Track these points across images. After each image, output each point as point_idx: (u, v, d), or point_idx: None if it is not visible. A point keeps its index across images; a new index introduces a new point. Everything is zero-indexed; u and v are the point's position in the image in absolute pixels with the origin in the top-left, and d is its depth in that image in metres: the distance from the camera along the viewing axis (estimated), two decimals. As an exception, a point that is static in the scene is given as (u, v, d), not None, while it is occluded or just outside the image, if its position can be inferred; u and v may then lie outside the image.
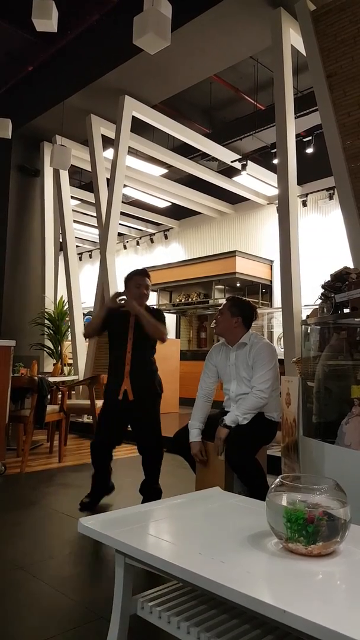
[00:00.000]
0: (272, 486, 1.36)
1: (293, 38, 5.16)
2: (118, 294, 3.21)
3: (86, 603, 1.93)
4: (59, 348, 7.70)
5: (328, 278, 2.73)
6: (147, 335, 3.11)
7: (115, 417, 3.14)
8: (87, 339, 7.18)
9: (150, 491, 3.15)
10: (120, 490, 3.39)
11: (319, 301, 2.77)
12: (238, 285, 10.10)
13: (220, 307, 3.01)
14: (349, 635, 0.89)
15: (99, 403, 5.16)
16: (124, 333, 3.12)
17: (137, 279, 3.18)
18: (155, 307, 3.29)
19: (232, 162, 8.17)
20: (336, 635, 0.91)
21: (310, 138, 7.27)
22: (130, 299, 3.12)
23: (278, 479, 1.38)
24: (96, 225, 7.73)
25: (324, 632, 0.93)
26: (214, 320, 3.03)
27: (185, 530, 1.57)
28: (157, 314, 3.21)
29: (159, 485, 3.18)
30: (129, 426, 3.20)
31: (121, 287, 3.35)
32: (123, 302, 3.16)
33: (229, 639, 1.27)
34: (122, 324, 3.13)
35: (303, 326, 2.93)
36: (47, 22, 4.13)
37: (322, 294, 2.73)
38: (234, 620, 1.35)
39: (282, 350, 4.95)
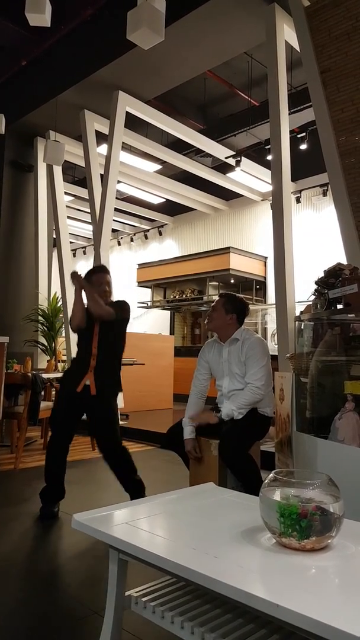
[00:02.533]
0: (266, 481, 1.37)
1: (287, 34, 5.15)
2: (75, 272, 3.10)
3: (80, 599, 1.94)
4: (53, 344, 7.68)
5: (321, 274, 2.74)
6: (114, 332, 3.10)
7: (73, 407, 3.08)
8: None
9: (132, 485, 3.11)
10: (112, 486, 3.39)
11: (313, 297, 2.78)
12: (232, 281, 10.11)
13: (213, 304, 3.01)
14: (342, 629, 0.90)
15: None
16: (89, 331, 3.08)
17: (97, 278, 3.16)
18: (120, 299, 3.23)
19: (226, 158, 8.16)
20: (329, 629, 0.91)
21: (304, 134, 7.26)
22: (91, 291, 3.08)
23: (271, 474, 1.38)
24: (90, 221, 7.71)
25: (317, 625, 0.93)
26: (207, 316, 3.03)
27: (179, 526, 1.57)
28: (120, 303, 3.17)
29: (137, 476, 3.13)
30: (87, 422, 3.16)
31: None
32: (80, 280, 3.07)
33: (223, 633, 1.27)
34: (89, 320, 3.08)
35: (297, 322, 2.94)
36: (40, 16, 4.09)
37: (316, 290, 2.73)
38: (227, 614, 1.36)
39: (276, 346, 4.96)
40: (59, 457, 3.07)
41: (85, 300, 3.07)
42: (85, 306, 3.06)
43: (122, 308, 3.16)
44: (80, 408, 3.10)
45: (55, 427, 3.12)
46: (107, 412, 3.10)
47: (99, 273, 3.21)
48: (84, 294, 3.07)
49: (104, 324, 3.08)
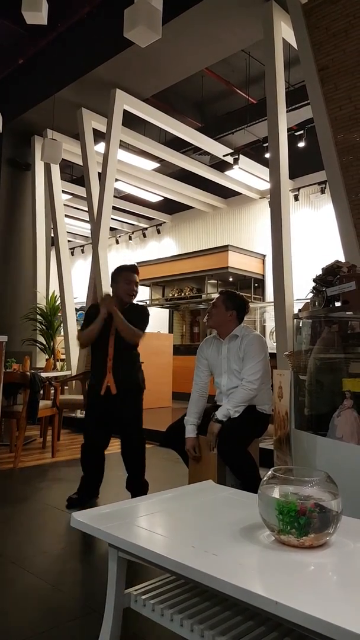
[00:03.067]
0: (265, 479, 1.37)
1: (284, 31, 5.14)
2: (108, 296, 3.13)
3: (79, 597, 1.94)
4: (52, 343, 7.68)
5: (320, 272, 2.74)
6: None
7: (101, 414, 3.13)
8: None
9: (138, 486, 3.15)
10: (111, 485, 3.40)
11: (311, 295, 2.78)
12: (231, 279, 10.11)
13: (213, 300, 3.01)
14: (340, 626, 0.90)
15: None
16: (107, 330, 3.08)
17: (127, 275, 3.14)
18: (141, 303, 3.23)
19: (224, 156, 8.15)
20: (328, 626, 0.92)
21: (302, 132, 7.26)
22: (118, 294, 3.11)
23: (270, 472, 1.38)
24: (88, 219, 7.70)
25: (316, 623, 0.94)
26: (207, 312, 3.03)
27: (178, 523, 1.57)
28: (142, 312, 3.18)
29: (145, 479, 3.19)
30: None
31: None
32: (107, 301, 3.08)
33: (222, 630, 1.28)
34: (106, 320, 3.08)
35: (295, 320, 2.94)
36: (37, 14, 4.08)
37: (314, 288, 2.73)
38: (226, 612, 1.36)
39: (275, 344, 4.97)
40: (94, 464, 3.17)
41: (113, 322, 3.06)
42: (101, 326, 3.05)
43: (145, 319, 3.16)
44: (107, 412, 3.13)
45: (88, 438, 3.19)
46: (131, 409, 3.13)
47: (127, 272, 3.16)
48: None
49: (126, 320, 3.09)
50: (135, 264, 3.37)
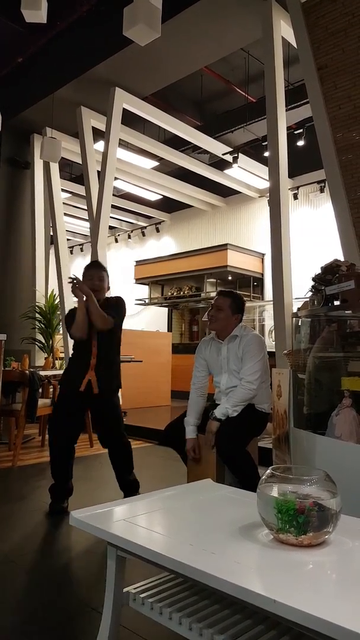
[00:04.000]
0: (263, 477, 1.37)
1: (284, 30, 5.13)
2: (77, 279, 3.09)
3: (78, 595, 1.94)
4: (50, 342, 7.67)
5: (319, 271, 2.74)
6: (114, 329, 3.09)
7: (75, 409, 3.08)
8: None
9: (129, 484, 3.16)
10: (110, 483, 3.40)
11: (310, 294, 2.78)
12: (230, 278, 10.11)
13: (215, 302, 2.98)
14: (339, 624, 0.90)
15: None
16: (91, 327, 3.05)
17: (85, 273, 3.16)
18: (117, 296, 3.23)
19: (224, 154, 8.14)
20: (327, 625, 0.92)
21: (301, 131, 7.25)
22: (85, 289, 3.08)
23: (269, 470, 1.38)
24: (87, 218, 7.69)
25: (315, 621, 0.94)
26: (209, 315, 3.01)
27: (177, 522, 1.57)
28: (116, 302, 3.17)
29: (134, 476, 3.19)
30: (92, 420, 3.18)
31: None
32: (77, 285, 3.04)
33: (221, 629, 1.28)
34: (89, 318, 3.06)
35: (294, 319, 2.94)
36: (36, 12, 4.07)
37: (313, 287, 2.74)
38: (225, 610, 1.36)
39: (273, 342, 4.97)
40: (62, 458, 3.07)
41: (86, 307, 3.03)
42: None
43: (119, 308, 3.14)
44: (82, 407, 3.10)
45: (56, 428, 3.10)
46: (112, 408, 3.12)
47: (85, 270, 3.19)
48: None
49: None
50: (97, 260, 3.36)
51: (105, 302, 3.14)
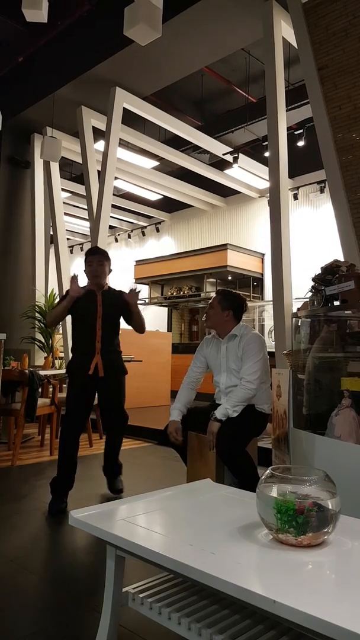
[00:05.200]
0: (263, 477, 1.37)
1: (284, 30, 5.14)
2: (75, 277, 3.19)
3: (77, 595, 1.94)
4: (50, 341, 7.67)
5: (319, 271, 2.74)
6: (114, 313, 3.20)
7: (86, 393, 3.14)
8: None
9: (115, 466, 3.28)
10: (106, 484, 3.39)
11: (310, 294, 2.78)
12: (229, 278, 10.11)
13: (210, 301, 3.01)
14: (339, 625, 0.90)
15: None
16: (93, 311, 3.13)
17: (88, 259, 3.23)
18: (121, 291, 3.30)
19: (224, 154, 8.15)
20: (326, 625, 0.92)
21: (301, 131, 7.26)
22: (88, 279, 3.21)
23: (268, 471, 1.38)
24: (87, 217, 7.69)
25: (314, 621, 0.94)
26: (205, 313, 3.04)
27: (176, 522, 1.57)
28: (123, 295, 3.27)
29: (119, 461, 3.31)
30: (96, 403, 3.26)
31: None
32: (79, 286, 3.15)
33: (220, 629, 1.28)
34: (89, 302, 3.15)
35: (294, 319, 2.94)
36: (37, 12, 4.07)
37: (313, 287, 2.73)
38: (224, 610, 1.36)
39: (273, 342, 4.97)
40: (72, 449, 3.12)
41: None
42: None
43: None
44: (91, 393, 3.18)
45: (69, 417, 3.15)
46: (118, 392, 3.22)
47: (90, 255, 3.25)
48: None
49: (108, 308, 3.16)
50: (97, 246, 3.44)
51: (110, 292, 3.23)
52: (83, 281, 3.19)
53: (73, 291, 3.12)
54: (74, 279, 3.14)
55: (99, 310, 3.13)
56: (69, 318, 3.32)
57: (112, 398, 3.21)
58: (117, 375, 3.22)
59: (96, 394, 3.22)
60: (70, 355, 3.28)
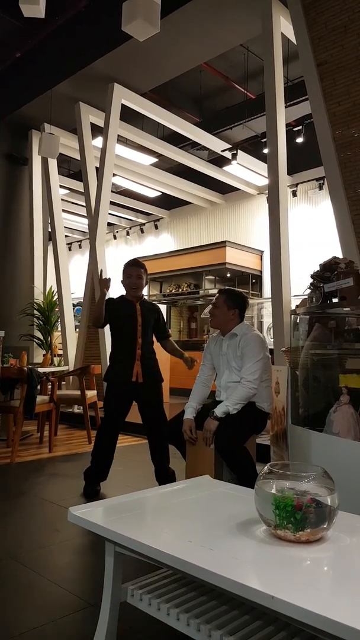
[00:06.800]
0: (261, 474, 1.37)
1: (284, 26, 5.12)
2: (102, 273, 3.35)
3: (76, 591, 1.94)
4: (49, 339, 7.67)
5: (317, 268, 2.73)
6: (150, 323, 3.32)
7: (125, 399, 3.25)
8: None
9: (166, 475, 3.28)
10: (109, 479, 3.40)
11: (308, 291, 2.78)
12: (228, 275, 10.10)
13: (214, 300, 3.01)
14: (337, 620, 0.91)
15: (90, 393, 5.16)
16: (133, 320, 3.25)
17: (126, 270, 3.33)
18: (157, 305, 3.49)
19: (223, 151, 8.13)
20: (324, 620, 0.92)
21: (300, 127, 7.25)
22: (125, 289, 3.33)
23: (267, 467, 1.38)
24: (85, 214, 7.68)
25: (312, 617, 0.94)
26: (209, 313, 3.05)
27: (175, 518, 1.58)
28: (161, 315, 3.45)
29: (170, 468, 3.32)
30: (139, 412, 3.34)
31: (112, 276, 3.43)
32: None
33: (219, 625, 1.28)
34: (129, 311, 3.27)
35: (292, 316, 2.94)
36: (34, 7, 4.06)
37: (311, 284, 2.73)
38: (223, 606, 1.37)
39: (272, 340, 4.97)
40: (110, 445, 3.24)
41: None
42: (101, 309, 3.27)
43: (164, 320, 3.50)
44: (130, 397, 3.26)
45: (106, 421, 3.25)
46: (157, 396, 3.32)
47: (127, 267, 3.34)
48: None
49: (146, 317, 3.29)
50: (136, 258, 3.53)
51: (146, 305, 3.36)
52: (112, 282, 3.34)
53: (103, 286, 3.24)
54: (102, 275, 3.32)
55: (138, 320, 3.25)
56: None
57: (153, 404, 3.28)
58: (156, 382, 3.33)
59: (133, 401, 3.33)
60: (108, 363, 3.38)
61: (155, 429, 3.28)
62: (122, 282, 3.33)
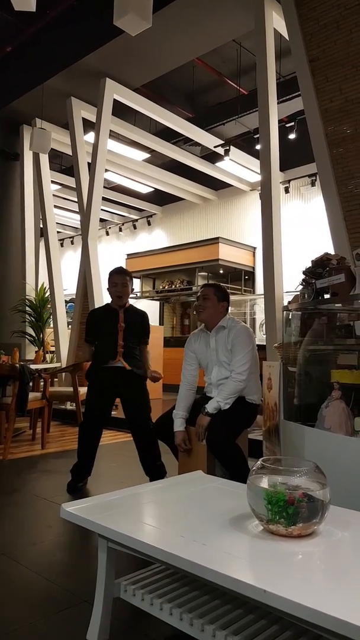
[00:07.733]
0: (253, 469, 1.38)
1: (276, 22, 5.11)
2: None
3: (69, 587, 1.95)
4: (41, 335, 7.64)
5: (309, 264, 2.74)
6: (134, 330, 3.32)
7: (107, 394, 3.26)
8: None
9: (156, 469, 3.27)
10: (103, 475, 3.41)
11: (300, 287, 2.79)
12: (221, 272, 10.11)
13: (201, 293, 2.99)
14: (328, 614, 0.91)
15: (82, 390, 5.15)
16: (115, 327, 3.28)
17: (110, 278, 3.36)
18: (144, 312, 3.49)
19: (215, 147, 8.12)
20: (316, 614, 0.93)
21: (292, 124, 7.24)
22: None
23: (259, 462, 1.39)
24: (77, 210, 7.64)
25: (304, 610, 0.95)
26: (197, 305, 3.02)
27: (168, 514, 1.58)
28: (146, 323, 3.45)
29: (161, 462, 3.29)
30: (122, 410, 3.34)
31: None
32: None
33: (211, 619, 1.29)
34: (111, 320, 3.30)
35: (284, 312, 2.94)
36: (25, 1, 4.01)
37: (303, 280, 2.74)
38: (216, 601, 1.37)
39: (264, 336, 4.99)
40: (92, 438, 3.26)
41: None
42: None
43: (148, 328, 3.47)
44: (111, 394, 3.28)
45: (86, 415, 3.28)
46: (141, 390, 3.31)
47: (110, 275, 3.37)
48: None
49: (129, 323, 3.31)
50: (122, 267, 3.54)
51: (131, 311, 3.38)
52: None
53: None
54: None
55: (120, 326, 3.28)
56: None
57: (136, 399, 3.28)
58: (138, 377, 3.30)
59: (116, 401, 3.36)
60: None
61: (141, 427, 3.27)
62: (108, 289, 3.37)
